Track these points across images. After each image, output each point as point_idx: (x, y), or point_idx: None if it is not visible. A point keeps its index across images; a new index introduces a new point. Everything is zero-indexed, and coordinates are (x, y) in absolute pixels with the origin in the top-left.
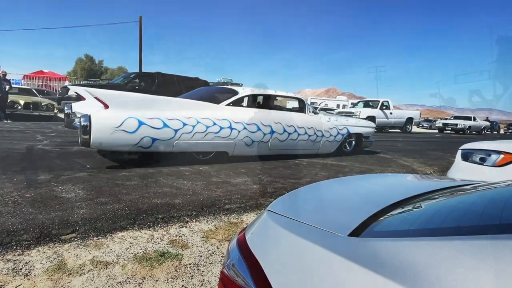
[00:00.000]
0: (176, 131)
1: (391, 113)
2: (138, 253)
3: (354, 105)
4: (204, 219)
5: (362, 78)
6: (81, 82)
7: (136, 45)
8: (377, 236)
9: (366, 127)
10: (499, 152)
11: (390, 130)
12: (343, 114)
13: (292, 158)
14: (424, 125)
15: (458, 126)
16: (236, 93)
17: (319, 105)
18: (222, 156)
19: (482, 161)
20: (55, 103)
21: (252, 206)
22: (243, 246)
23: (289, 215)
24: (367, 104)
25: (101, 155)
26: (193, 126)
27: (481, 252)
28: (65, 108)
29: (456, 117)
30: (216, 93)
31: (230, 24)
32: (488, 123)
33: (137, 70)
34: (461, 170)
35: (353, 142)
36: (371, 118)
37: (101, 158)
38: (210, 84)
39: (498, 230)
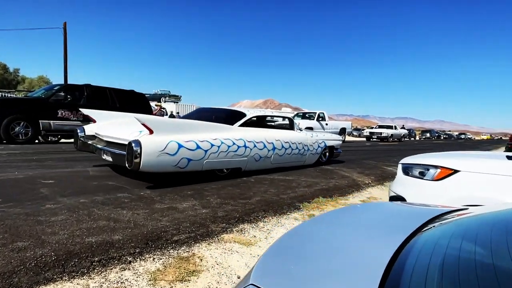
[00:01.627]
0: (206, 151)
1: (326, 124)
2: None
3: (293, 116)
4: (150, 257)
5: (298, 89)
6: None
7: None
8: None
9: (337, 140)
10: (436, 167)
11: None
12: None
13: (240, 176)
14: (354, 133)
15: (383, 135)
16: (244, 115)
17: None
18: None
19: (422, 175)
20: None
21: (203, 235)
22: None
23: None
24: (304, 116)
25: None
26: (218, 146)
27: None
28: (78, 130)
29: (380, 126)
30: (223, 114)
31: (166, 33)
32: (406, 131)
33: (64, 81)
34: (403, 184)
35: (327, 153)
36: (309, 130)
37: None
38: (147, 95)
39: None
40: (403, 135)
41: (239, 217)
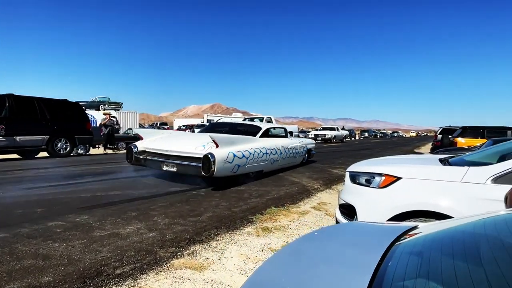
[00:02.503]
0: (247, 158)
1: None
2: None
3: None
4: None
5: (245, 93)
6: None
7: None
8: None
9: (313, 144)
10: (381, 174)
11: None
12: None
13: (189, 190)
14: (300, 136)
15: (327, 136)
16: (260, 128)
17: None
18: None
19: (368, 183)
20: None
21: (150, 264)
22: None
23: None
24: (252, 121)
25: None
26: (252, 154)
27: None
28: (132, 147)
29: (324, 128)
30: (246, 128)
31: (105, 36)
32: (347, 132)
33: None
34: (352, 192)
35: (306, 155)
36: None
37: None
38: (81, 103)
39: None
40: (345, 136)
41: (190, 238)
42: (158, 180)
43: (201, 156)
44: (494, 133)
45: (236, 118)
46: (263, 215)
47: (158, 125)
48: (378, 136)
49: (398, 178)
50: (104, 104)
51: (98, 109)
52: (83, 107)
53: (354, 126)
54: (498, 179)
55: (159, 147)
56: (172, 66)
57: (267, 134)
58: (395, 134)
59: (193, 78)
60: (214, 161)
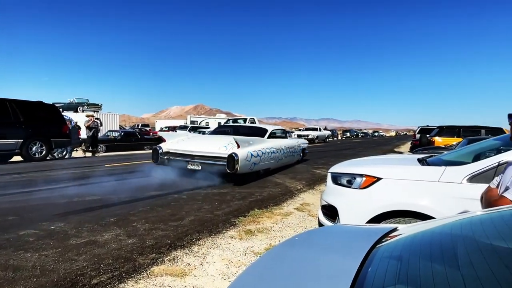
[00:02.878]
0: (260, 157)
1: None
2: None
3: (225, 123)
4: None
5: (229, 94)
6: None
7: None
8: None
9: (306, 144)
10: (361, 175)
11: None
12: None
13: (171, 194)
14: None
15: (309, 137)
16: (267, 130)
17: (199, 123)
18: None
19: (349, 183)
20: None
21: (129, 272)
22: None
23: None
24: (235, 122)
25: None
26: (264, 153)
27: None
28: (158, 148)
29: (307, 129)
30: (254, 130)
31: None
32: (329, 132)
33: None
34: (333, 193)
35: (301, 154)
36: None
37: None
38: (58, 105)
39: None
40: (327, 136)
41: (171, 243)
42: (138, 184)
43: (226, 155)
44: (469, 132)
45: (220, 119)
46: (246, 218)
47: (139, 127)
48: (360, 136)
49: (379, 179)
50: (83, 106)
51: (76, 111)
52: (60, 109)
53: (337, 126)
54: (473, 179)
55: (183, 148)
56: (154, 67)
57: (272, 135)
58: (376, 134)
59: (176, 78)
60: (237, 160)
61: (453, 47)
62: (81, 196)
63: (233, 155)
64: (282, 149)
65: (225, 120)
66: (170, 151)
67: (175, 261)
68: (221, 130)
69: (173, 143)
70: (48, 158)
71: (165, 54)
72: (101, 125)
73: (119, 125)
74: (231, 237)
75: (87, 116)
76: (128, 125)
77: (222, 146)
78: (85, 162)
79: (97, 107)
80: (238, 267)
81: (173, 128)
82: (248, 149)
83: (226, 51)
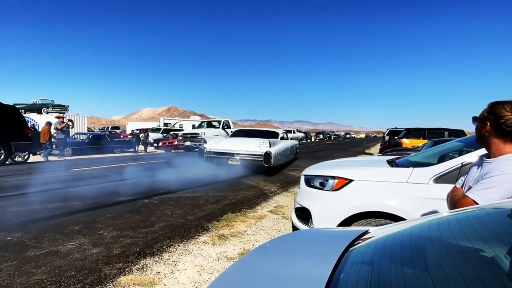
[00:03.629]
0: (280, 155)
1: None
2: None
3: (199, 125)
4: None
5: (203, 96)
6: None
7: None
8: None
9: (297, 144)
10: (334, 177)
11: None
12: (189, 135)
13: (141, 198)
14: None
15: None
16: (278, 133)
17: (173, 125)
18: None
19: (322, 185)
20: None
21: (94, 283)
22: None
23: None
24: (210, 125)
25: None
26: (281, 152)
27: None
28: (203, 147)
29: None
30: (270, 133)
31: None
32: (303, 134)
33: None
34: (307, 196)
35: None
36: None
37: None
38: (19, 106)
39: None
40: (301, 138)
41: (140, 251)
42: (106, 189)
43: (262, 153)
44: (434, 134)
45: (194, 121)
46: (220, 222)
47: (109, 129)
48: (333, 138)
49: (350, 181)
50: (47, 107)
51: (40, 112)
52: (22, 110)
53: (310, 128)
54: (439, 179)
55: (224, 148)
56: (125, 67)
57: (282, 138)
58: (348, 136)
59: (149, 80)
60: (271, 156)
61: (418, 53)
62: (42, 203)
63: (269, 152)
64: (288, 148)
65: (199, 123)
66: (212, 150)
67: (144, 270)
68: (242, 133)
69: (213, 144)
70: (7, 162)
71: (137, 54)
72: (73, 127)
73: (87, 128)
74: (203, 242)
75: (58, 118)
76: (97, 128)
77: (257, 146)
78: (48, 166)
79: (63, 108)
80: (211, 273)
81: (145, 131)
82: (275, 148)
83: (201, 53)
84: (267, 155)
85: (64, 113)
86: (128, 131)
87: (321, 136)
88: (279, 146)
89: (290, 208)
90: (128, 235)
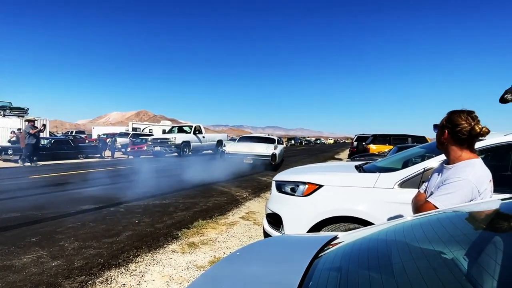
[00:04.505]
0: (279, 155)
1: (203, 137)
2: None
3: (169, 130)
4: None
5: (173, 100)
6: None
7: None
8: None
9: (283, 149)
10: (304, 183)
11: (204, 152)
12: (159, 140)
13: (106, 206)
14: None
15: None
16: (274, 139)
17: (142, 130)
18: None
19: (293, 191)
20: None
21: None
22: None
23: None
24: (181, 130)
25: None
26: (279, 153)
27: None
28: (223, 150)
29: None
30: (269, 139)
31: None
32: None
33: None
34: (278, 201)
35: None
36: (187, 143)
37: None
38: None
39: None
40: None
41: (104, 262)
42: (68, 197)
43: (269, 154)
44: (398, 140)
45: (165, 126)
46: (190, 230)
47: (73, 134)
48: (304, 144)
49: (320, 186)
50: (5, 110)
51: None
52: None
53: (282, 134)
54: (403, 184)
55: (239, 150)
56: (91, 69)
57: (277, 142)
58: (318, 141)
59: (116, 83)
60: (276, 156)
61: (384, 60)
62: None
63: (274, 153)
64: (282, 150)
65: (169, 128)
66: (231, 152)
67: (109, 282)
68: (247, 139)
69: (231, 147)
70: None
71: (103, 56)
72: (43, 131)
73: (50, 132)
74: (172, 251)
75: (28, 121)
76: (60, 132)
77: (264, 148)
78: (4, 174)
79: (22, 111)
80: (180, 283)
81: (112, 135)
82: (277, 150)
83: (171, 56)
84: (273, 155)
85: (23, 116)
86: (94, 136)
87: (293, 142)
88: (279, 148)
89: (262, 214)
90: (91, 246)
